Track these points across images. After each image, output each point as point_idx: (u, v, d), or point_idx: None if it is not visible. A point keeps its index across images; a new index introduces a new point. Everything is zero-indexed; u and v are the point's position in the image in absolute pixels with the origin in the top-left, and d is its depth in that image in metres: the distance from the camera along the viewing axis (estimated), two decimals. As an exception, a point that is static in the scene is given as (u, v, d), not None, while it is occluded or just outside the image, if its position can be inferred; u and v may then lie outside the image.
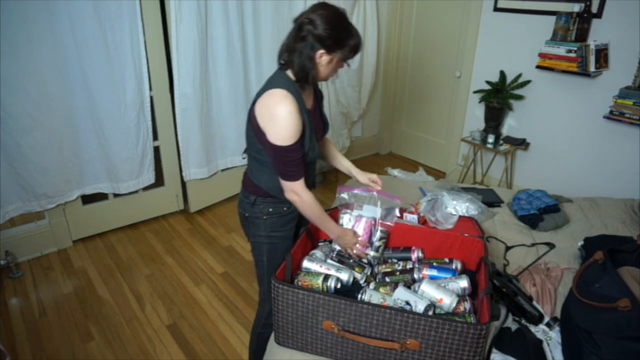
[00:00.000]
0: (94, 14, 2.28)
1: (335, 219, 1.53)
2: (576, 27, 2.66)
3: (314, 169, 1.53)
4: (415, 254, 1.47)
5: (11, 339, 2.03)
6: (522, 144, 3.16)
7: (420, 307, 1.18)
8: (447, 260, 1.46)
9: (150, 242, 2.82)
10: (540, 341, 1.35)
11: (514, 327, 1.39)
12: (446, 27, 3.54)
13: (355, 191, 1.59)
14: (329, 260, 1.44)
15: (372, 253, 1.48)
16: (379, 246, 1.49)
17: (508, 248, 1.90)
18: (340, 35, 1.25)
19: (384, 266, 1.46)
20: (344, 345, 1.22)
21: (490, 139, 3.13)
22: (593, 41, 2.60)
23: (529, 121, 3.15)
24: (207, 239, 2.87)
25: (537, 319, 1.41)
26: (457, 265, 1.43)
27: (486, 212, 2.11)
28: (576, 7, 2.62)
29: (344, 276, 1.33)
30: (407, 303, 1.19)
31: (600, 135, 2.80)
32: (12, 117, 2.21)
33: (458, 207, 2.01)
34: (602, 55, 2.62)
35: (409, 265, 1.44)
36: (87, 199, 2.76)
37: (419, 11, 3.72)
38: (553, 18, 2.73)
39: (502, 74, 3.13)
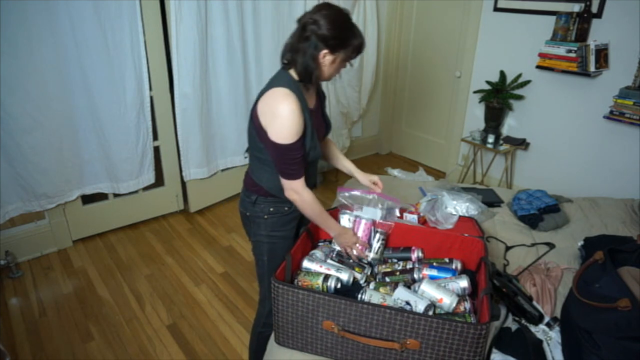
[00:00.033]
0: (94, 14, 2.28)
1: (335, 219, 1.53)
2: (576, 27, 2.67)
3: (315, 169, 1.53)
4: (415, 254, 1.47)
5: (11, 339, 2.03)
6: (522, 144, 3.16)
7: (420, 307, 1.18)
8: (447, 260, 1.46)
9: (150, 242, 2.82)
10: (540, 341, 1.35)
11: (514, 327, 1.39)
12: (446, 27, 3.54)
13: (355, 192, 1.59)
14: (329, 260, 1.44)
15: (371, 255, 1.48)
16: (378, 248, 1.49)
17: (508, 248, 1.90)
18: (343, 36, 1.26)
19: (384, 266, 1.46)
20: (344, 345, 1.22)
21: (490, 139, 3.13)
22: (593, 41, 2.60)
23: (529, 121, 3.15)
24: (207, 239, 2.87)
25: (537, 319, 1.41)
26: (457, 265, 1.43)
27: (486, 212, 2.11)
28: (576, 7, 2.62)
29: (344, 276, 1.33)
30: (407, 303, 1.19)
31: (600, 135, 2.80)
32: (12, 117, 2.21)
33: (458, 207, 2.01)
34: (602, 55, 2.62)
35: (409, 265, 1.44)
36: (87, 199, 2.76)
37: (419, 11, 3.72)
38: (553, 18, 2.73)
39: (502, 74, 3.13)
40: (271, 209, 1.43)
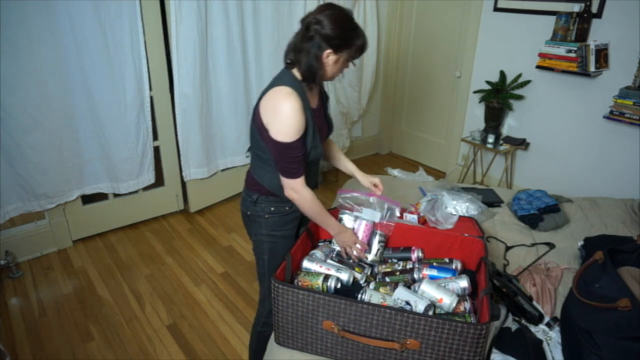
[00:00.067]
0: (94, 14, 2.28)
1: (335, 218, 1.53)
2: (576, 27, 2.67)
3: (316, 169, 1.53)
4: (415, 254, 1.47)
5: (11, 339, 2.03)
6: (522, 144, 3.16)
7: (420, 307, 1.18)
8: (447, 260, 1.46)
9: (150, 242, 2.82)
10: (540, 341, 1.35)
11: (514, 327, 1.39)
12: (446, 27, 3.54)
13: (356, 194, 1.60)
14: (329, 260, 1.44)
15: (370, 256, 1.48)
16: (378, 249, 1.49)
17: (508, 248, 1.90)
18: (347, 35, 1.27)
19: (384, 266, 1.46)
20: (344, 345, 1.22)
21: (490, 139, 3.13)
22: (593, 41, 2.60)
23: (529, 121, 3.15)
24: (207, 239, 2.87)
25: (537, 319, 1.41)
26: (457, 265, 1.43)
27: (486, 212, 2.11)
28: (576, 7, 2.62)
29: (344, 276, 1.33)
30: (407, 303, 1.19)
31: (600, 135, 2.80)
32: (12, 117, 2.21)
33: (458, 207, 2.01)
34: (602, 55, 2.62)
35: (409, 265, 1.44)
36: (87, 199, 2.76)
37: (419, 11, 3.72)
38: (553, 18, 2.73)
39: (502, 74, 3.13)
40: (272, 209, 1.44)
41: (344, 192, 1.62)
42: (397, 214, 1.64)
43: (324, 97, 1.50)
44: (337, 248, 1.51)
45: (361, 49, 1.31)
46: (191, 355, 1.98)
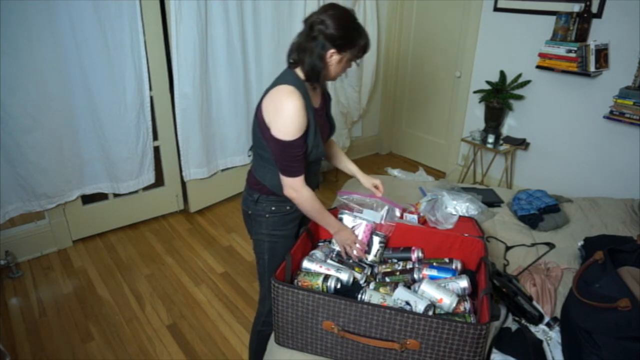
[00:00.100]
0: (94, 14, 2.28)
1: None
2: (576, 27, 2.67)
3: (318, 169, 1.54)
4: (415, 254, 1.47)
5: (11, 339, 2.03)
6: (522, 144, 3.16)
7: (420, 307, 1.18)
8: (447, 260, 1.46)
9: (150, 242, 2.82)
10: (540, 341, 1.35)
11: (514, 327, 1.39)
12: (446, 27, 3.54)
13: (356, 196, 1.60)
14: (328, 261, 1.44)
15: (370, 257, 1.48)
16: (377, 250, 1.49)
17: (508, 248, 1.90)
18: (350, 35, 1.27)
19: (384, 266, 1.46)
20: (344, 346, 1.22)
21: (490, 139, 3.13)
22: (593, 41, 2.60)
23: (529, 121, 3.15)
24: (207, 239, 2.87)
25: (537, 319, 1.41)
26: (457, 265, 1.43)
27: (486, 212, 2.11)
28: (576, 7, 2.62)
29: (344, 276, 1.33)
30: (407, 303, 1.19)
31: (600, 135, 2.80)
32: (12, 117, 2.21)
33: (458, 207, 2.00)
34: (602, 55, 2.62)
35: (409, 265, 1.44)
36: (87, 199, 2.76)
37: (419, 11, 3.72)
38: (553, 18, 2.73)
39: (502, 74, 3.13)
40: (273, 208, 1.44)
41: (344, 194, 1.62)
42: (398, 214, 1.64)
43: (326, 98, 1.51)
44: (337, 248, 1.51)
45: (364, 48, 1.32)
46: (191, 355, 1.98)
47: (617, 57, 2.61)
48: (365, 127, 4.16)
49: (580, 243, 1.87)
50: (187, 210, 3.18)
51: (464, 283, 1.30)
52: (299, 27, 1.32)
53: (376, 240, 1.49)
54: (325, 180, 3.68)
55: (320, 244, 1.58)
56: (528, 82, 3.04)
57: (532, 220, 2.08)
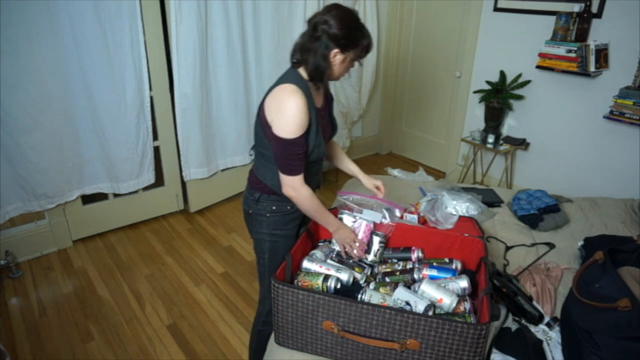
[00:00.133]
0: (94, 14, 2.28)
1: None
2: (576, 27, 2.67)
3: (319, 169, 1.54)
4: (415, 254, 1.47)
5: (11, 339, 2.03)
6: (522, 144, 3.16)
7: (420, 307, 1.18)
8: (447, 260, 1.46)
9: (150, 242, 2.82)
10: (540, 341, 1.35)
11: (514, 327, 1.39)
12: (446, 27, 3.54)
13: (356, 196, 1.60)
14: (328, 261, 1.44)
15: (370, 257, 1.48)
16: (377, 250, 1.49)
17: (508, 248, 1.90)
18: (353, 35, 1.28)
19: (384, 266, 1.46)
20: (344, 346, 1.22)
21: (490, 139, 3.13)
22: (593, 41, 2.60)
23: (529, 121, 3.15)
24: (207, 239, 2.87)
25: (537, 319, 1.41)
26: (457, 265, 1.43)
27: (486, 212, 2.11)
28: (576, 7, 2.62)
29: (344, 276, 1.33)
30: (407, 303, 1.19)
31: (600, 135, 2.80)
32: (12, 117, 2.21)
33: (458, 207, 2.00)
34: (602, 55, 2.62)
35: (409, 265, 1.44)
36: (87, 199, 2.76)
37: (419, 11, 3.72)
38: (553, 18, 2.73)
39: (502, 74, 3.13)
40: (274, 208, 1.44)
41: (344, 194, 1.62)
42: (398, 214, 1.64)
43: (329, 98, 1.52)
44: (337, 248, 1.51)
45: (367, 48, 1.33)
46: (191, 355, 1.98)
47: (617, 57, 2.61)
48: (365, 127, 4.16)
49: (580, 243, 1.87)
50: (187, 210, 3.18)
51: (464, 283, 1.30)
52: (299, 27, 1.32)
53: (376, 240, 1.49)
54: (325, 180, 3.68)
55: (320, 244, 1.58)
56: (528, 82, 3.04)
57: (532, 220, 2.08)
